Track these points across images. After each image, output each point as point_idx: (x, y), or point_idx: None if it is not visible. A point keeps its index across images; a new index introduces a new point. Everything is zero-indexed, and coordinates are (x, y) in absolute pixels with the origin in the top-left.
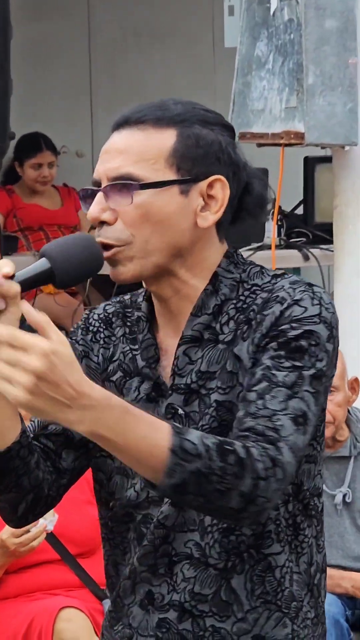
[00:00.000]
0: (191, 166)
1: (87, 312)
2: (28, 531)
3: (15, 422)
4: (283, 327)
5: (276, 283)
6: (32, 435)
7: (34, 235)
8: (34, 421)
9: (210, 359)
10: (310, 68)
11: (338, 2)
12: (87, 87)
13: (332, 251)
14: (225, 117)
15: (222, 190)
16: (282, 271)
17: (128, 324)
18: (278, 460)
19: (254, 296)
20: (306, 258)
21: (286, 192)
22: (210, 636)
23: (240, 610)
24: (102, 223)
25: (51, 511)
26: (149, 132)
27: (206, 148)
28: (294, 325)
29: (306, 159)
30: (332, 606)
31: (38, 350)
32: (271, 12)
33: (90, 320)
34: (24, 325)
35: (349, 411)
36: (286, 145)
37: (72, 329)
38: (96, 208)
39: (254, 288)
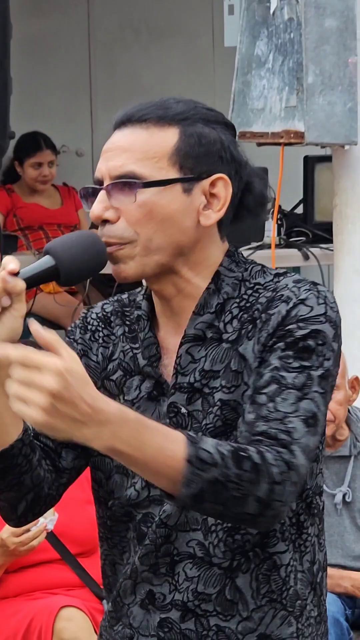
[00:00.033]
0: (194, 165)
1: (84, 311)
2: (28, 530)
3: (18, 420)
4: (290, 326)
5: (279, 282)
6: (32, 433)
7: (34, 234)
8: None
9: (214, 358)
10: (310, 67)
11: (338, 1)
12: (86, 85)
13: (332, 250)
14: (225, 116)
15: (224, 189)
16: (284, 270)
17: (127, 322)
18: (292, 463)
19: (256, 295)
20: (306, 257)
21: (286, 191)
22: (215, 635)
23: (245, 609)
24: (105, 222)
25: (51, 510)
26: (151, 130)
27: (208, 146)
28: (300, 324)
29: (306, 158)
30: (331, 605)
31: (52, 370)
32: (271, 11)
33: (89, 319)
34: (26, 322)
35: (349, 411)
36: (286, 144)
37: (69, 328)
38: (99, 206)
39: (257, 287)
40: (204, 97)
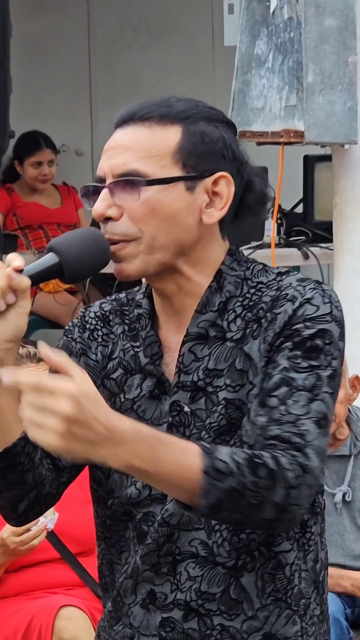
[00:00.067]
0: (197, 163)
1: (82, 310)
2: (28, 530)
3: (20, 418)
4: (297, 326)
5: (282, 280)
6: None
7: (34, 233)
8: None
9: (218, 357)
10: (309, 66)
11: (338, 0)
12: (86, 84)
13: (332, 250)
14: (225, 115)
15: (227, 187)
16: (287, 269)
17: (127, 321)
18: (307, 466)
19: (259, 293)
20: (306, 257)
21: (286, 191)
22: (219, 635)
23: (250, 608)
24: (107, 219)
25: (51, 509)
26: (154, 128)
27: (211, 145)
28: (307, 324)
29: (306, 158)
30: (331, 605)
31: (65, 394)
32: (271, 11)
33: (87, 318)
34: (31, 320)
35: (349, 410)
36: (286, 143)
37: (67, 327)
38: (102, 204)
39: (260, 285)
40: (203, 96)
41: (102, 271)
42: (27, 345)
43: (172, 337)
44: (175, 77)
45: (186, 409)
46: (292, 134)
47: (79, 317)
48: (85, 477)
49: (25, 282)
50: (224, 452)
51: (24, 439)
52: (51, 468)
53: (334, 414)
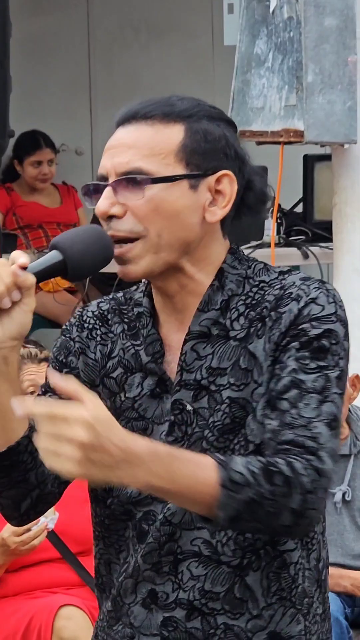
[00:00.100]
0: (200, 161)
1: (80, 309)
2: (29, 530)
3: (24, 418)
4: (303, 325)
5: (284, 279)
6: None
7: (33, 233)
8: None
9: (222, 355)
10: (309, 66)
11: (337, 0)
12: (86, 84)
13: (332, 249)
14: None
15: (229, 185)
16: (288, 268)
17: (126, 320)
18: (321, 470)
19: (262, 292)
20: (305, 256)
21: (285, 190)
22: (222, 634)
23: (255, 607)
24: (110, 218)
25: (52, 509)
26: (157, 127)
27: (214, 143)
28: (314, 324)
29: (305, 157)
30: (331, 604)
31: (80, 421)
32: (271, 10)
33: (85, 317)
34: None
35: (349, 409)
36: (285, 143)
37: (64, 326)
38: (105, 202)
39: (262, 284)
40: (203, 95)
41: (102, 270)
42: (28, 345)
43: (173, 336)
44: (175, 76)
45: (189, 407)
46: (291, 134)
47: (77, 317)
48: None
49: (31, 279)
50: (238, 463)
51: (27, 437)
52: None
53: (342, 413)
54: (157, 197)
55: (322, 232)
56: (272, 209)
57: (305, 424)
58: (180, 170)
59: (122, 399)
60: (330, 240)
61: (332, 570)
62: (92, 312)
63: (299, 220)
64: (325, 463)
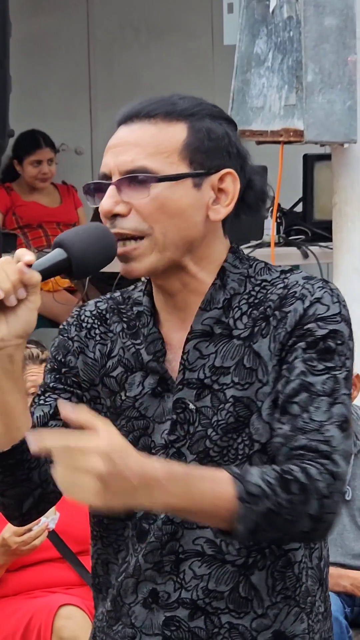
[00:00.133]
0: (203, 159)
1: (77, 309)
2: (30, 530)
3: (27, 415)
4: (308, 325)
5: (287, 278)
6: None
7: (33, 232)
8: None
9: (225, 354)
10: (309, 66)
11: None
12: (86, 84)
13: (331, 249)
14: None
15: (232, 184)
16: (289, 267)
17: (125, 319)
18: (337, 473)
19: (264, 291)
20: (305, 256)
21: (285, 190)
22: (227, 633)
23: (260, 606)
24: (114, 216)
25: (52, 509)
26: (160, 125)
27: (217, 141)
28: (320, 324)
29: (305, 157)
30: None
31: (96, 452)
32: (270, 10)
33: (82, 317)
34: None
35: None
36: (285, 142)
37: (62, 326)
38: (109, 201)
39: (264, 283)
40: (203, 95)
41: (102, 270)
42: (30, 346)
43: (174, 335)
44: (175, 76)
45: (191, 406)
46: (291, 133)
47: (74, 316)
48: None
49: (36, 276)
50: (254, 475)
51: None
52: None
53: (351, 413)
54: (162, 195)
55: (322, 232)
56: (271, 208)
57: (317, 428)
58: (184, 168)
59: (123, 398)
60: (330, 239)
61: (331, 570)
62: (90, 311)
63: (298, 220)
64: (340, 466)
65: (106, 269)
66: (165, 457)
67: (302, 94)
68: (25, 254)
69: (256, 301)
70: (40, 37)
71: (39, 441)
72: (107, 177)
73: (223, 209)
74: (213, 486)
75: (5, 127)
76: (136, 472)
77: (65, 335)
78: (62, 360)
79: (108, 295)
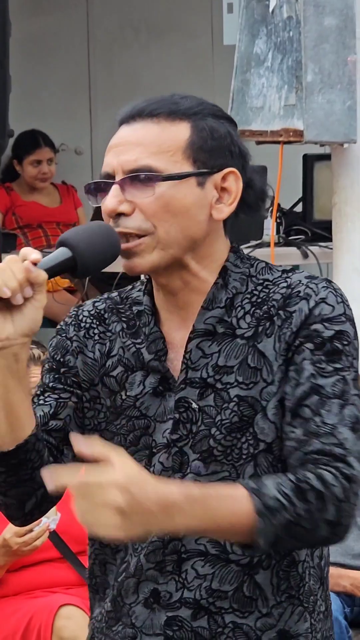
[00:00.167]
0: (207, 158)
1: (75, 309)
2: (31, 530)
3: (31, 415)
4: (314, 326)
5: (289, 278)
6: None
7: (33, 232)
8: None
9: (228, 354)
10: (309, 66)
11: (337, 0)
12: (86, 84)
13: (331, 249)
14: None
15: (235, 183)
16: (290, 267)
17: (124, 319)
18: (352, 476)
19: (267, 290)
20: (305, 256)
21: (285, 190)
22: (231, 632)
23: (265, 605)
24: (118, 215)
25: (53, 509)
26: (163, 124)
27: (220, 140)
28: (326, 324)
29: (305, 157)
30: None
31: (114, 486)
32: (270, 10)
33: (81, 316)
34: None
35: None
36: (285, 142)
37: (60, 326)
38: (113, 200)
39: (266, 283)
40: (203, 95)
41: (102, 270)
42: (30, 346)
43: (175, 334)
44: (175, 76)
45: (194, 405)
46: (291, 133)
47: (72, 316)
48: None
49: (43, 275)
50: (270, 487)
51: (35, 435)
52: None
53: None
54: (167, 194)
55: (322, 232)
56: (271, 208)
57: (330, 431)
58: (187, 167)
59: (123, 397)
60: (329, 239)
61: (331, 570)
62: (89, 311)
63: (298, 220)
64: (355, 468)
65: (106, 269)
66: (167, 456)
67: (302, 94)
68: (31, 253)
69: (259, 300)
70: (40, 37)
71: (56, 478)
72: (110, 176)
73: (226, 208)
74: (231, 504)
75: (5, 127)
76: (155, 501)
77: (64, 335)
78: (61, 360)
79: (106, 295)
